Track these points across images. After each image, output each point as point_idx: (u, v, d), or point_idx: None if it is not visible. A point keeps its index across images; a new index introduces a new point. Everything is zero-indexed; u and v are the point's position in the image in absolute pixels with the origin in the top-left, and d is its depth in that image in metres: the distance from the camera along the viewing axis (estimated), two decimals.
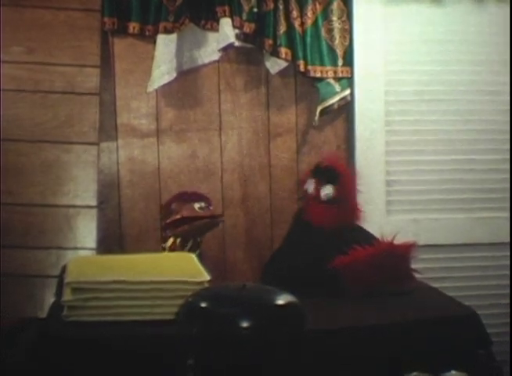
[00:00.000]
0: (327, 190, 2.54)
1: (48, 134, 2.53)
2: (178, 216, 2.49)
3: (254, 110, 2.86)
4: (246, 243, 2.87)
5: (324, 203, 2.54)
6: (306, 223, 2.59)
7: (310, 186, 2.58)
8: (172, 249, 2.46)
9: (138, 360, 1.93)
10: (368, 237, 2.51)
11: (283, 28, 2.73)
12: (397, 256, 2.37)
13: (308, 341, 1.87)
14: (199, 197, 2.56)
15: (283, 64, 2.80)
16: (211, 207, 2.55)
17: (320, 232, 2.52)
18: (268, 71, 2.84)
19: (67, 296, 2.03)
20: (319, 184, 2.56)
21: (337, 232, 2.50)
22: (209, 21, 2.71)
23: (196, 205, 2.51)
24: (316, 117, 2.80)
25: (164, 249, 2.49)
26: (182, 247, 2.46)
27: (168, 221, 2.51)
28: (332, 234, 2.49)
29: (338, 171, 2.57)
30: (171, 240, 2.48)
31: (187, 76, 2.79)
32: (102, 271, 2.12)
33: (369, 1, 2.84)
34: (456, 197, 2.96)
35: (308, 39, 2.77)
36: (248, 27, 2.73)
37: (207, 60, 2.77)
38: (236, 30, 2.68)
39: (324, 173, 2.58)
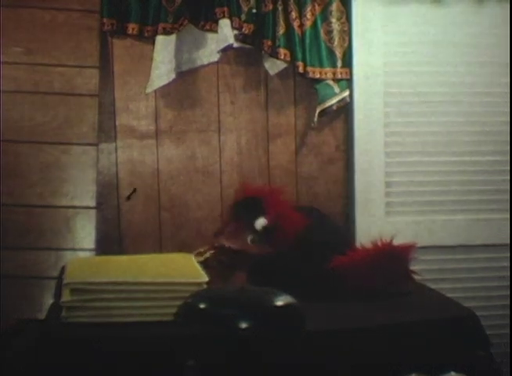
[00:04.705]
0: (261, 222, 2.47)
1: (47, 135, 2.53)
2: (227, 245, 2.47)
3: (253, 111, 2.86)
4: None
5: (261, 240, 2.47)
6: None
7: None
8: (206, 262, 2.42)
9: (137, 361, 1.93)
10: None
11: (282, 29, 2.73)
12: (396, 257, 2.37)
13: (308, 341, 1.87)
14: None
15: (281, 65, 2.80)
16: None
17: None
18: (267, 72, 2.84)
19: (66, 297, 2.03)
20: (248, 222, 2.48)
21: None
22: (208, 22, 2.71)
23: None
24: (315, 119, 2.80)
25: (200, 255, 2.47)
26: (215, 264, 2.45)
27: (217, 244, 2.49)
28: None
29: (260, 201, 2.49)
30: (207, 255, 2.46)
31: (186, 77, 2.79)
32: (101, 272, 2.13)
33: (368, 2, 2.84)
34: (455, 199, 2.96)
35: (307, 40, 2.77)
36: (247, 28, 2.73)
37: (206, 61, 2.77)
38: (235, 31, 2.68)
39: (247, 209, 2.50)
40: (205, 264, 2.39)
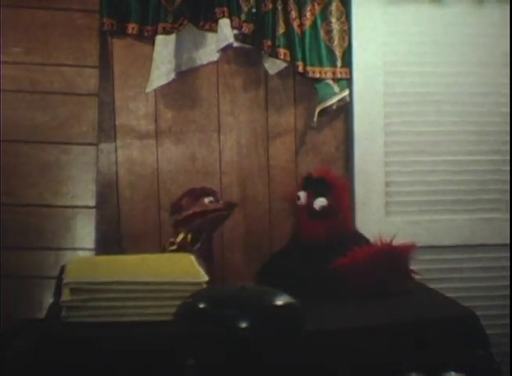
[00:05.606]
0: (321, 202, 2.51)
1: (46, 135, 2.54)
2: (190, 212, 2.49)
3: (252, 110, 2.86)
4: (245, 244, 2.87)
5: (316, 216, 2.51)
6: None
7: (301, 198, 2.55)
8: (182, 245, 2.45)
9: (137, 361, 1.93)
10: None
11: (281, 29, 2.73)
12: (396, 257, 2.37)
13: (308, 341, 1.87)
14: (208, 192, 2.56)
15: (281, 65, 2.80)
16: (221, 201, 2.54)
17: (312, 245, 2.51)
18: (266, 72, 2.84)
19: (66, 297, 2.02)
20: (311, 196, 2.52)
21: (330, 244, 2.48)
22: (208, 22, 2.71)
23: (206, 200, 2.50)
24: (315, 118, 2.79)
25: (172, 244, 2.48)
26: (192, 244, 2.45)
27: (180, 218, 2.51)
28: (325, 246, 2.48)
29: (330, 183, 2.54)
30: (181, 236, 2.47)
31: (186, 77, 2.79)
32: (101, 272, 2.13)
33: (367, 2, 2.84)
34: (455, 198, 2.96)
35: (307, 40, 2.77)
36: (247, 28, 2.73)
37: (205, 61, 2.77)
38: (235, 31, 2.68)
39: (315, 185, 2.55)
40: (181, 245, 2.44)
